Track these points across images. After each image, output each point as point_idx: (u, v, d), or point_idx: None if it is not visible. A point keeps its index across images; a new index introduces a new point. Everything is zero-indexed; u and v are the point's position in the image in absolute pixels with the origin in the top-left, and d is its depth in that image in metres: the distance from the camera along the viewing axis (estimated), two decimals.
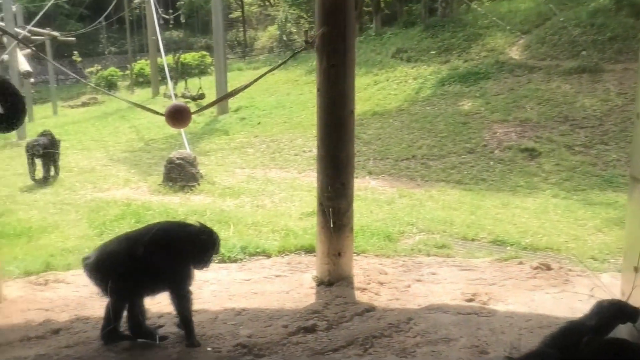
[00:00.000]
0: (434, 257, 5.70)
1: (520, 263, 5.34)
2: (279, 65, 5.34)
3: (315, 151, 5.05)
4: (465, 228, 6.65)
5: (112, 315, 3.62)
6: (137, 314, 3.68)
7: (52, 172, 9.81)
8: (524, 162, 9.87)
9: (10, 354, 3.62)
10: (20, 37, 13.42)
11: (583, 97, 11.72)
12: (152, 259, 3.52)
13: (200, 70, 23.22)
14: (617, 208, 7.26)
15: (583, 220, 6.95)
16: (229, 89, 14.08)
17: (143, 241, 3.54)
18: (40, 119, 19.15)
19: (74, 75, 6.39)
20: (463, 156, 10.39)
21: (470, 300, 4.49)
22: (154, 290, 3.70)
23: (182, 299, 3.62)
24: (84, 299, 4.67)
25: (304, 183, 9.48)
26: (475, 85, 13.49)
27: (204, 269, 3.79)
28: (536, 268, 5.09)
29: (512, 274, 5.06)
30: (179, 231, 3.68)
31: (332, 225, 4.59)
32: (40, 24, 17.91)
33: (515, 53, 14.82)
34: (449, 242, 6.12)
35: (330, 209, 4.62)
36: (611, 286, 4.01)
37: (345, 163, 4.68)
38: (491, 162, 10.04)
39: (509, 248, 5.99)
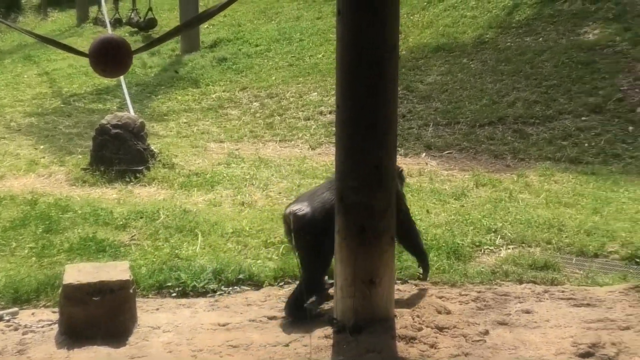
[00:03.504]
0: (529, 284, 5.68)
1: None
2: None
3: None
4: (583, 237, 6.62)
5: (318, 280, 5.11)
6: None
7: None
8: None
9: None
10: None
11: None
12: None
13: None
14: None
15: None
16: (201, 10, 14.10)
17: None
18: None
19: None
20: (583, 118, 10.28)
21: (588, 355, 4.49)
22: None
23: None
24: None
25: (320, 165, 9.51)
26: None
27: None
28: None
29: None
30: None
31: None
32: None
33: None
34: (556, 260, 6.10)
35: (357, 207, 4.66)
36: None
37: (383, 131, 4.68)
38: (630, 128, 9.90)
39: None
